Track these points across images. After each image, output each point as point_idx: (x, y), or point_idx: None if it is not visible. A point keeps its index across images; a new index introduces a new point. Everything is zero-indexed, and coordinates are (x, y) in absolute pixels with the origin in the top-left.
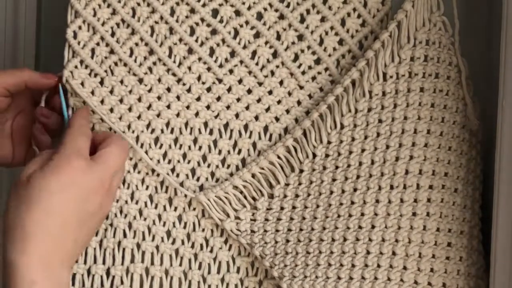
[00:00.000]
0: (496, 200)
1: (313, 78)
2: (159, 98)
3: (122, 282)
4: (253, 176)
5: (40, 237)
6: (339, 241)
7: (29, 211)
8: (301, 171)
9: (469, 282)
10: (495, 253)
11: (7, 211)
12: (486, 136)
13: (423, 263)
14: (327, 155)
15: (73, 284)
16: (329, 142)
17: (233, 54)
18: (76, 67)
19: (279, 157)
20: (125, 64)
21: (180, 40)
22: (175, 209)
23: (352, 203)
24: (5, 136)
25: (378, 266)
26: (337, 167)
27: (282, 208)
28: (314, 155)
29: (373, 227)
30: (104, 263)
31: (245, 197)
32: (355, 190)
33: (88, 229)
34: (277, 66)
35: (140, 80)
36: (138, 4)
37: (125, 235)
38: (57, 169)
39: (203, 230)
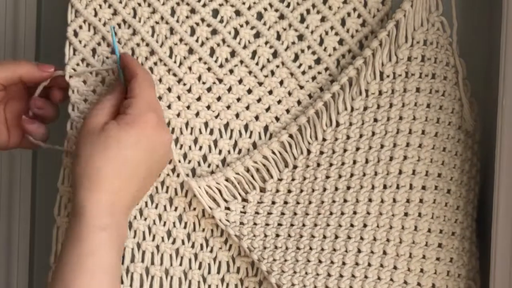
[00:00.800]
0: (496, 200)
1: (313, 78)
2: (160, 98)
3: (122, 282)
4: (246, 169)
5: (116, 185)
6: (330, 238)
7: (107, 159)
8: (295, 167)
9: (459, 284)
10: (495, 253)
11: (79, 159)
12: (486, 136)
13: (413, 263)
14: (321, 152)
15: None
16: (324, 139)
17: (233, 54)
18: (78, 64)
19: (273, 152)
20: None
21: (181, 40)
22: (176, 209)
23: (345, 201)
24: None
25: (369, 264)
26: (331, 165)
27: (273, 203)
28: (309, 152)
29: (365, 225)
30: None
31: (236, 189)
32: (348, 188)
33: (151, 178)
34: (277, 66)
35: None
36: (139, 5)
37: None
38: (132, 124)
39: (203, 230)
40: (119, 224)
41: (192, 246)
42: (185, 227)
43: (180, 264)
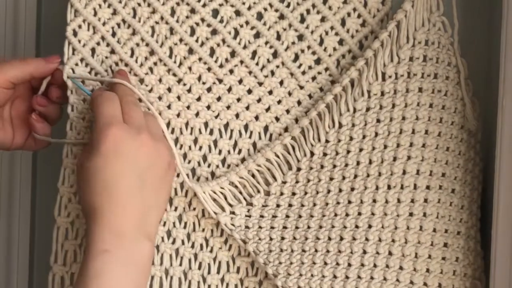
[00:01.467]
0: (496, 200)
1: (313, 78)
2: (159, 98)
3: None
4: (250, 173)
5: (106, 208)
6: (335, 240)
7: (89, 192)
8: (299, 169)
9: (465, 283)
10: (495, 253)
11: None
12: (486, 136)
13: (419, 263)
14: (325, 154)
15: (71, 283)
16: (327, 141)
17: (233, 54)
18: (76, 64)
19: (276, 155)
20: (126, 65)
21: (181, 40)
22: (175, 209)
23: (349, 202)
24: (4, 120)
25: (375, 265)
26: (334, 166)
27: (278, 206)
28: (312, 154)
29: (370, 226)
30: None
31: (241, 193)
32: (352, 189)
33: (152, 191)
34: (277, 66)
35: (141, 81)
36: (139, 5)
37: None
38: (97, 143)
39: (203, 230)
40: (128, 245)
41: (192, 246)
42: (185, 227)
43: (180, 264)
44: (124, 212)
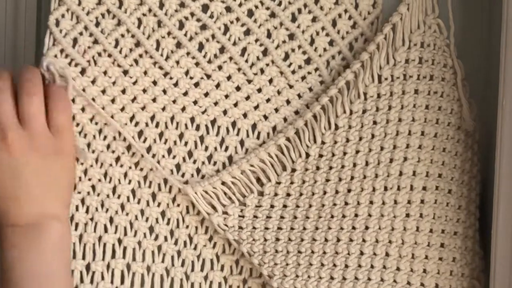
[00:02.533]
0: (496, 200)
1: (303, 78)
2: (144, 91)
3: (102, 278)
4: (242, 173)
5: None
6: (332, 241)
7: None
8: (294, 170)
9: (462, 283)
10: (495, 253)
11: None
12: (486, 137)
13: (416, 264)
14: (321, 155)
15: None
16: (323, 143)
17: (222, 50)
18: (56, 56)
19: (270, 156)
20: (109, 55)
21: (169, 33)
22: (159, 204)
23: (346, 204)
24: None
25: (372, 266)
26: (331, 168)
27: (272, 206)
28: (308, 155)
29: (366, 228)
30: (84, 258)
31: (233, 193)
32: (349, 191)
33: (46, 178)
34: (267, 64)
35: (125, 72)
36: None
37: (106, 230)
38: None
39: (187, 227)
40: (31, 236)
41: (175, 243)
42: (168, 223)
43: (163, 261)
44: (17, 211)
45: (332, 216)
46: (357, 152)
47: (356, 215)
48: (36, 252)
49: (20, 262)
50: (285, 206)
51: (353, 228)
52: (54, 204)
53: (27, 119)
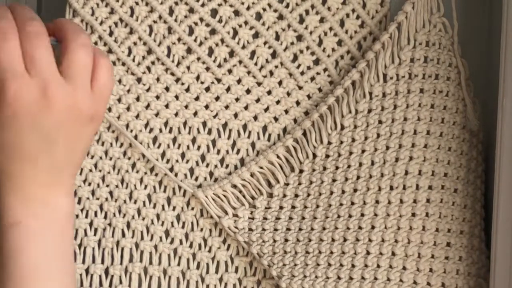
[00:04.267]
0: (496, 200)
1: (312, 79)
2: (157, 97)
3: (120, 282)
4: (252, 175)
5: (10, 172)
6: (339, 241)
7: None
8: (301, 171)
9: (468, 282)
10: (495, 253)
11: None
12: (486, 136)
13: (422, 263)
14: (327, 156)
15: None
16: (329, 143)
17: (232, 54)
18: None
19: (278, 157)
20: (123, 64)
21: (179, 39)
22: (174, 208)
23: (352, 203)
24: None
25: (378, 266)
26: (337, 168)
27: (281, 208)
28: (314, 156)
29: (373, 227)
30: (102, 262)
31: (243, 196)
32: (355, 190)
33: (69, 149)
34: (276, 66)
35: (139, 80)
36: (137, 3)
37: (123, 235)
38: None
39: (202, 229)
40: (41, 212)
41: (190, 246)
42: (183, 227)
43: (178, 264)
44: (30, 175)
45: (339, 216)
46: (363, 151)
47: (362, 215)
48: (44, 241)
49: (22, 252)
50: (293, 207)
51: (360, 227)
52: (69, 178)
53: (75, 75)
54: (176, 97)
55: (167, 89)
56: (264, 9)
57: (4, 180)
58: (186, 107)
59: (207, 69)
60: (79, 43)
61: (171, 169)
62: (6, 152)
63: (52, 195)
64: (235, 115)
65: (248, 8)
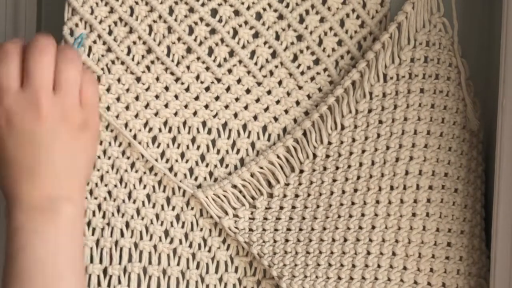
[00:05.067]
0: (496, 199)
1: (312, 79)
2: (157, 97)
3: (119, 282)
4: (252, 175)
5: (10, 185)
6: (339, 241)
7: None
8: (301, 171)
9: (469, 282)
10: (495, 253)
11: None
12: (486, 136)
13: (422, 263)
14: (327, 156)
15: None
16: (329, 143)
17: (232, 53)
18: None
19: (278, 157)
20: (122, 63)
21: (179, 39)
22: (173, 208)
23: (353, 203)
24: None
25: (379, 266)
26: (337, 168)
27: (281, 208)
28: (315, 156)
29: (373, 227)
30: (101, 262)
31: (244, 196)
32: (355, 190)
33: (68, 156)
34: (276, 66)
35: (138, 79)
36: (136, 3)
37: (122, 235)
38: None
39: (201, 229)
40: (40, 218)
41: (190, 246)
42: (182, 227)
43: (178, 264)
44: (29, 185)
45: (339, 216)
46: (363, 151)
47: (362, 215)
48: (45, 238)
49: (25, 250)
50: (293, 207)
51: (360, 227)
52: (71, 185)
53: (63, 88)
54: (176, 96)
55: (166, 88)
56: (264, 9)
57: (6, 190)
58: (186, 106)
59: (207, 68)
60: (69, 58)
61: (171, 169)
62: (6, 165)
63: (53, 202)
64: (235, 115)
65: (248, 8)
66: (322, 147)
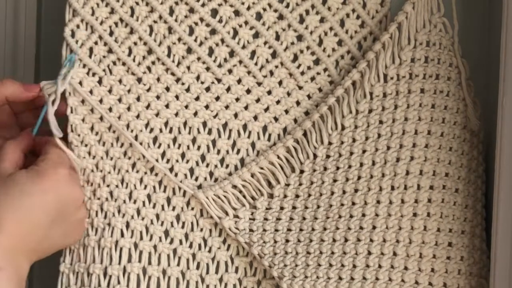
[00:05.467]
0: (496, 199)
1: (312, 79)
2: (158, 97)
3: (119, 282)
4: (253, 175)
5: (19, 230)
6: (340, 241)
7: (8, 206)
8: (302, 171)
9: (470, 282)
10: (495, 253)
11: None
12: (486, 136)
13: (423, 263)
14: (328, 156)
15: (71, 283)
16: (330, 143)
17: (232, 54)
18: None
19: (279, 157)
20: (123, 63)
21: (179, 39)
22: (173, 208)
23: (353, 204)
24: None
25: (380, 266)
26: (338, 168)
27: (282, 208)
28: (315, 156)
29: (374, 227)
30: (101, 262)
31: (244, 196)
32: (356, 191)
33: (59, 230)
34: (276, 66)
35: (139, 80)
36: (137, 3)
37: (122, 235)
38: (42, 175)
39: (202, 230)
40: (19, 266)
41: (190, 246)
42: (183, 227)
43: (178, 264)
44: (30, 238)
45: (340, 217)
46: (364, 151)
47: (363, 215)
48: (21, 281)
49: (6, 286)
50: (294, 207)
51: (361, 228)
52: (46, 251)
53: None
54: (177, 97)
55: (167, 89)
56: (264, 9)
57: (1, 238)
58: (186, 107)
59: (207, 69)
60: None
61: (171, 169)
62: (21, 221)
63: (30, 258)
64: (235, 115)
65: (248, 8)
66: (322, 147)
